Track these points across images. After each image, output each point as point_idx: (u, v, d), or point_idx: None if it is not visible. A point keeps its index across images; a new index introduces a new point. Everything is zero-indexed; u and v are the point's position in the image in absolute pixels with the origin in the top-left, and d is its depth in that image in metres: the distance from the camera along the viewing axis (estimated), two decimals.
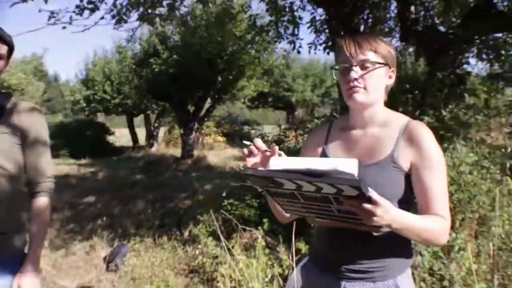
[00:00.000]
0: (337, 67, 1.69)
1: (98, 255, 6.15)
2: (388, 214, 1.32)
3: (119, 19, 6.10)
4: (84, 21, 5.94)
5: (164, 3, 6.29)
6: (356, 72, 1.59)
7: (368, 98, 1.64)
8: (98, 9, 5.78)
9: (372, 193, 1.26)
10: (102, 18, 5.77)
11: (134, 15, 6.28)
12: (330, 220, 1.55)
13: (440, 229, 1.53)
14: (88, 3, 5.65)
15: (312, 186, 1.28)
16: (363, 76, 1.60)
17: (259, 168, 1.57)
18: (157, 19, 6.50)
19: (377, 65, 1.61)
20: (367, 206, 1.26)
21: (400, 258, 1.71)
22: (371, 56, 1.60)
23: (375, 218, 1.28)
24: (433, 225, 1.50)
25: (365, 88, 1.61)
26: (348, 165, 1.32)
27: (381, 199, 1.29)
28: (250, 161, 1.60)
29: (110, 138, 24.41)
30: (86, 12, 5.78)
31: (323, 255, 1.81)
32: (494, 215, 3.66)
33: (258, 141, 1.60)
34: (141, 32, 15.21)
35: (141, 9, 6.14)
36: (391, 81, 1.71)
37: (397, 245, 1.69)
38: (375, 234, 1.58)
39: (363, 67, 1.60)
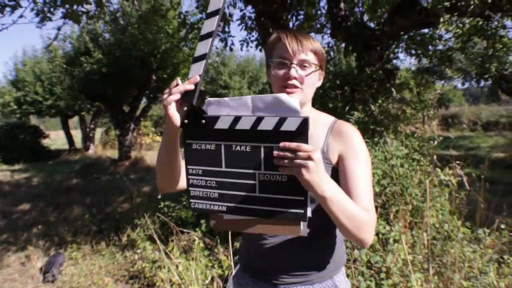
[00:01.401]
0: (274, 60, 1.63)
1: (34, 265, 5.93)
2: (321, 170, 1.26)
3: (43, 17, 5.84)
4: (5, 19, 5.67)
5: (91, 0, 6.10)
6: (296, 70, 1.56)
7: (303, 98, 1.62)
8: (20, 6, 5.51)
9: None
10: (21, 16, 5.49)
11: (59, 13, 6.05)
12: (243, 216, 1.42)
13: (370, 222, 1.45)
14: None
15: (251, 117, 1.27)
16: (302, 76, 1.58)
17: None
18: (84, 17, 6.28)
19: (316, 68, 1.61)
20: (305, 146, 1.21)
21: (335, 257, 1.72)
22: (311, 57, 1.59)
23: (310, 165, 1.21)
24: (364, 214, 1.43)
25: (301, 89, 1.59)
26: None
27: None
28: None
29: (45, 142, 23.51)
30: (8, 10, 5.51)
31: (254, 263, 1.78)
32: (426, 206, 3.75)
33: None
34: (72, 29, 14.76)
35: (67, 5, 5.91)
36: (319, 83, 1.70)
37: (331, 244, 1.70)
38: (300, 235, 1.53)
39: (302, 67, 1.58)
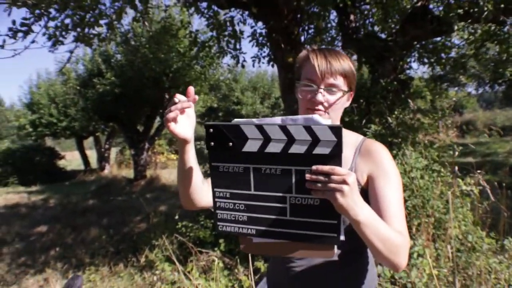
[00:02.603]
0: (301, 82, 1.59)
1: None
2: (355, 193, 1.20)
3: (56, 41, 5.86)
4: (17, 44, 5.68)
5: (102, 22, 6.11)
6: (323, 95, 1.52)
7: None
8: (32, 31, 5.54)
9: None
10: (33, 42, 5.50)
11: (71, 36, 6.08)
12: (272, 239, 1.37)
13: (403, 245, 1.38)
14: (22, 25, 5.41)
15: (282, 137, 1.22)
16: (329, 100, 1.53)
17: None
18: (95, 40, 6.30)
19: (344, 93, 1.55)
20: (339, 169, 1.16)
21: (366, 281, 1.65)
22: (340, 82, 1.53)
23: (344, 190, 1.15)
24: (398, 236, 1.36)
25: (327, 112, 1.54)
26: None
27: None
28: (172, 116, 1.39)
29: (61, 163, 23.74)
30: (20, 35, 5.55)
31: (281, 286, 1.71)
32: (449, 217, 3.68)
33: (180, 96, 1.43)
34: (84, 52, 14.91)
35: (78, 29, 5.94)
36: (348, 103, 1.65)
37: (361, 268, 1.64)
38: (331, 259, 1.46)
39: (329, 91, 1.53)
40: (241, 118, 1.34)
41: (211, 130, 1.32)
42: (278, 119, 1.27)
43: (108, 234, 8.64)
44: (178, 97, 1.40)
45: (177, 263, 4.21)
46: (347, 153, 1.59)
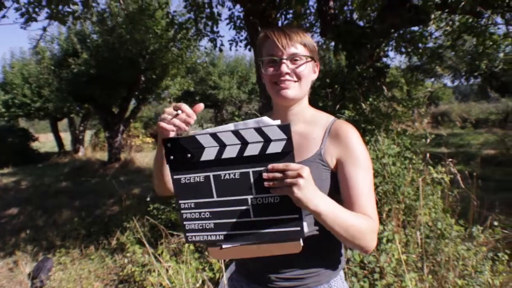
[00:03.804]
0: (264, 58, 1.61)
1: (22, 271, 5.82)
2: (312, 186, 1.26)
3: (28, 17, 5.71)
4: None
5: (77, 0, 5.97)
6: (287, 65, 1.54)
7: (300, 92, 1.59)
8: (4, 6, 5.40)
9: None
10: (4, 17, 5.37)
11: (45, 13, 5.92)
12: (239, 243, 1.42)
13: (369, 229, 1.42)
14: None
15: (236, 141, 1.30)
16: (295, 70, 1.55)
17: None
18: (70, 18, 6.15)
19: (307, 59, 1.57)
20: (293, 164, 1.23)
21: (332, 261, 1.67)
22: (300, 49, 1.55)
23: (300, 183, 1.21)
24: (362, 222, 1.40)
25: (296, 82, 1.57)
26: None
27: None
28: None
29: (34, 145, 23.36)
30: None
31: (248, 265, 1.73)
32: (419, 204, 3.71)
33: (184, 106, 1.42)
34: (59, 31, 14.60)
35: (52, 6, 5.78)
36: (315, 76, 1.67)
37: (328, 248, 1.64)
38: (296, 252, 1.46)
39: (292, 61, 1.55)
40: (198, 130, 1.42)
41: (169, 144, 1.39)
42: (231, 126, 1.34)
43: (80, 216, 8.53)
44: (185, 109, 1.39)
45: (147, 245, 4.19)
46: (318, 133, 1.62)
